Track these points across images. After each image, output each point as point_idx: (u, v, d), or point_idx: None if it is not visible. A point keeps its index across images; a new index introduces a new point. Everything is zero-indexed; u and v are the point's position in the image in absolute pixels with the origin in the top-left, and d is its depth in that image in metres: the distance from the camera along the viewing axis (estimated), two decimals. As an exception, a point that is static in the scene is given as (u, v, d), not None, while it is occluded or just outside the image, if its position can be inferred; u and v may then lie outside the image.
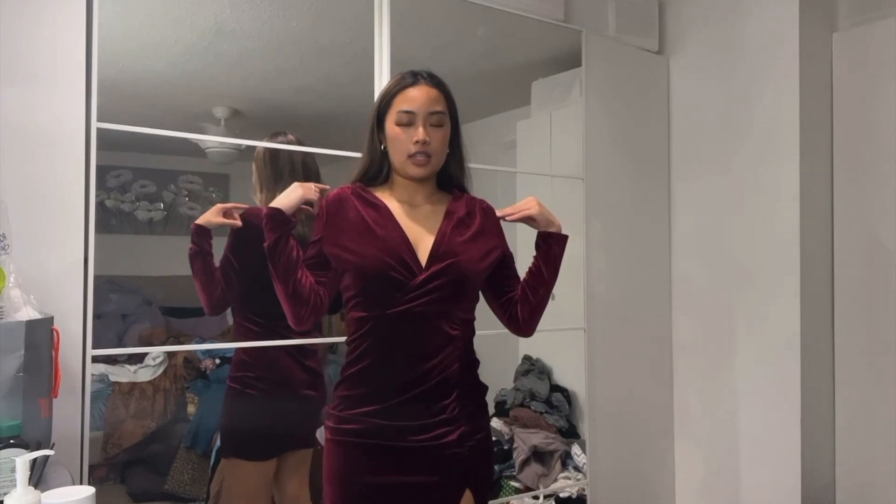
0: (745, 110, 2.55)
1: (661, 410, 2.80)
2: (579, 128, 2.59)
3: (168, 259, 2.68)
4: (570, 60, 2.62)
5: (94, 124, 1.65)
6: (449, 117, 1.41)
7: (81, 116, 1.65)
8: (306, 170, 2.02)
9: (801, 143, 2.37)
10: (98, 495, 0.98)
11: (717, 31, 2.67)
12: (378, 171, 1.43)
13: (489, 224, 1.46)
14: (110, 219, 2.37)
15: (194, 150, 2.23)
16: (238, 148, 2.24)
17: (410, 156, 1.35)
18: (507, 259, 1.50)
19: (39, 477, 1.19)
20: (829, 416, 2.48)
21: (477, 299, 1.45)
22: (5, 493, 0.98)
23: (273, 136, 2.04)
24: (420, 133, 1.34)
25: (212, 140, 2.18)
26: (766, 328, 2.46)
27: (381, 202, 1.40)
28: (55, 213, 1.62)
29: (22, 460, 0.93)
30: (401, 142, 1.35)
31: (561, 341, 2.67)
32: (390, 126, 1.37)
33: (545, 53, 2.70)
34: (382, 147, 1.40)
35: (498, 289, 1.50)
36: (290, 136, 2.05)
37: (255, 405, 1.95)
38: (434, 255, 1.35)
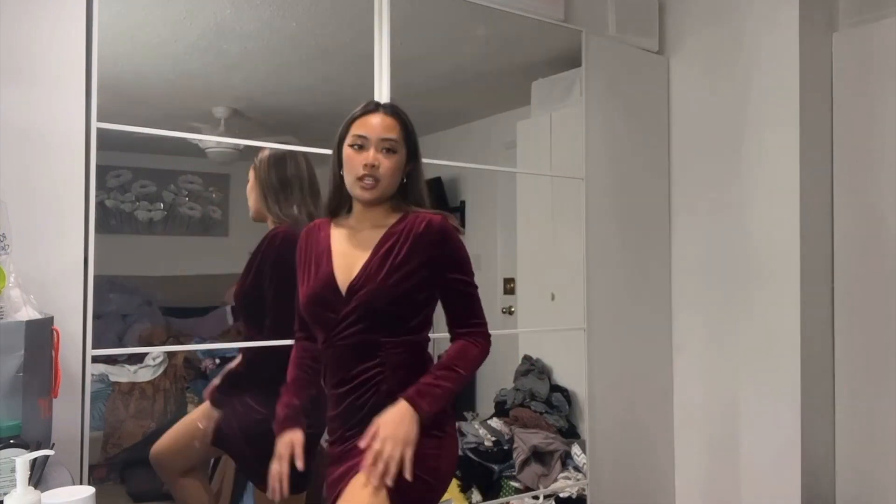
0: (745, 110, 2.55)
1: (661, 410, 2.80)
2: (579, 128, 2.59)
3: (168, 259, 2.68)
4: (570, 60, 2.62)
5: (94, 124, 1.65)
6: (405, 147, 1.44)
7: (81, 116, 1.65)
8: (312, 186, 2.01)
9: (801, 143, 2.37)
10: (98, 495, 0.98)
11: (717, 31, 2.67)
12: (338, 196, 1.48)
13: (421, 246, 1.40)
14: (110, 219, 2.38)
15: (194, 150, 2.23)
16: (238, 148, 2.24)
17: (359, 178, 1.39)
18: (446, 284, 1.44)
19: (39, 477, 1.19)
20: (829, 416, 2.48)
21: (413, 317, 1.41)
22: (5, 493, 0.98)
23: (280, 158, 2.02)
24: (370, 156, 1.38)
25: (212, 140, 2.18)
26: (766, 328, 2.46)
27: (325, 235, 1.47)
28: (55, 213, 1.62)
29: (22, 460, 0.93)
30: (352, 164, 1.40)
31: (561, 341, 2.67)
32: (345, 149, 1.42)
33: (545, 53, 2.70)
34: (340, 171, 1.45)
35: (444, 309, 1.48)
36: (300, 159, 2.02)
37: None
38: (351, 288, 1.39)
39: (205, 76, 2.21)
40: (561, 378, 2.79)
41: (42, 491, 0.96)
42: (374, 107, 1.45)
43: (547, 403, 2.72)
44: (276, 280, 1.88)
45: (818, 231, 2.45)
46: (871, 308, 2.38)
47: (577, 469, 2.58)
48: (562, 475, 2.56)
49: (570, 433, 2.68)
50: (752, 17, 2.53)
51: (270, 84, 2.32)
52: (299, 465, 1.41)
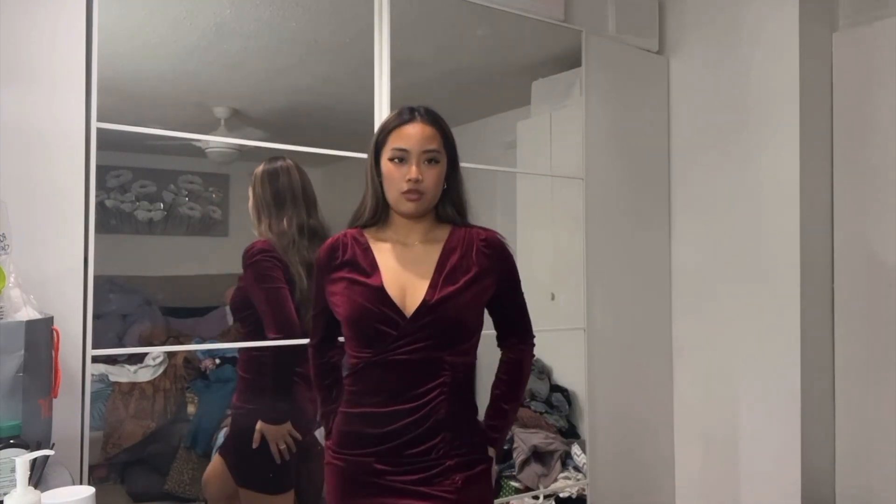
0: (745, 110, 2.55)
1: (661, 410, 2.80)
2: (579, 128, 2.59)
3: (168, 259, 2.68)
4: (570, 60, 2.62)
5: (94, 124, 1.65)
6: (445, 155, 1.41)
7: (81, 116, 1.65)
8: (306, 197, 2.05)
9: (801, 143, 2.37)
10: (98, 495, 0.98)
11: (717, 31, 2.67)
12: (376, 208, 1.43)
13: (487, 263, 1.42)
14: (110, 219, 2.37)
15: (194, 150, 2.23)
16: (238, 148, 2.24)
17: (403, 192, 1.35)
18: (507, 300, 1.48)
19: (39, 477, 1.19)
20: (829, 416, 2.48)
21: (473, 340, 1.42)
22: (5, 493, 0.98)
23: (270, 161, 2.06)
24: (413, 171, 1.34)
25: (212, 140, 2.18)
26: (767, 328, 2.46)
27: (371, 248, 1.41)
28: (55, 213, 1.62)
29: (22, 460, 0.93)
30: (394, 179, 1.36)
31: (561, 341, 2.67)
32: (385, 163, 1.38)
33: (545, 53, 2.70)
34: (380, 180, 1.41)
35: (495, 319, 1.52)
36: (289, 161, 2.07)
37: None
38: (424, 305, 1.34)
39: (205, 76, 2.21)
40: (561, 378, 2.79)
41: (42, 491, 0.96)
42: (410, 115, 1.39)
43: (547, 403, 2.72)
44: (257, 291, 1.98)
45: (818, 231, 2.45)
46: (870, 308, 2.38)
47: (577, 469, 2.58)
48: (562, 475, 2.56)
49: (570, 433, 2.68)
50: (751, 17, 2.53)
51: (270, 84, 2.32)
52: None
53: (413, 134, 1.36)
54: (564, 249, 2.65)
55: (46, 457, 1.12)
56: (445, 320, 1.34)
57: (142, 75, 2.06)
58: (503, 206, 2.88)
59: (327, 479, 1.42)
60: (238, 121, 2.25)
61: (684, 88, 2.81)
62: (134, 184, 2.44)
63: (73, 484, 1.14)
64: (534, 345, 1.54)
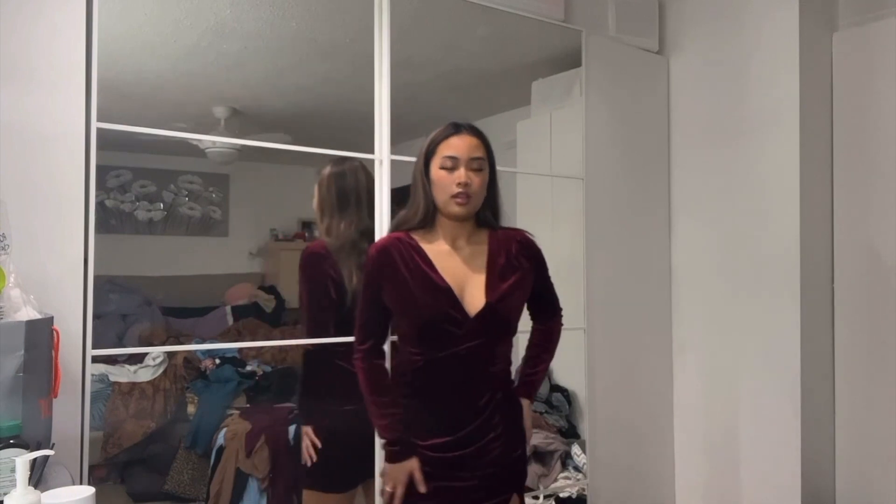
0: (745, 110, 2.55)
1: (661, 410, 2.80)
2: (579, 128, 2.59)
3: (168, 259, 2.68)
4: (570, 60, 2.62)
5: (94, 124, 1.65)
6: (488, 163, 1.57)
7: (81, 116, 1.65)
8: (370, 200, 2.04)
9: (801, 143, 2.37)
10: (98, 495, 0.98)
11: (717, 31, 2.67)
12: (426, 213, 1.57)
13: (527, 263, 1.63)
14: (110, 219, 2.38)
15: (194, 150, 2.23)
16: (238, 148, 2.24)
17: (453, 196, 1.51)
18: (541, 287, 1.70)
19: (39, 477, 1.19)
20: (829, 415, 2.48)
21: (515, 333, 1.63)
22: (5, 493, 0.98)
23: (337, 163, 2.06)
24: (462, 175, 1.50)
25: (212, 140, 2.18)
26: (767, 328, 2.46)
27: (419, 251, 1.55)
28: (55, 213, 1.62)
29: (22, 460, 0.93)
30: (445, 184, 1.52)
31: (561, 341, 2.67)
32: (435, 170, 1.54)
33: (545, 53, 2.70)
34: (430, 189, 1.56)
35: (530, 302, 1.72)
36: (356, 163, 2.07)
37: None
38: (487, 307, 1.51)
39: (205, 76, 2.21)
40: (561, 378, 2.79)
41: (42, 491, 0.96)
42: (456, 128, 1.55)
43: (547, 403, 2.72)
44: (301, 292, 2.04)
45: (818, 231, 2.45)
46: (871, 308, 2.38)
47: (577, 469, 2.58)
48: (562, 475, 2.56)
49: (570, 433, 2.68)
50: (751, 17, 2.53)
51: (270, 84, 2.32)
52: (421, 489, 1.52)
53: (461, 144, 1.53)
54: (564, 249, 2.65)
55: (46, 457, 1.12)
56: (503, 319, 1.55)
57: (142, 75, 2.05)
58: (503, 205, 2.88)
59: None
60: (238, 121, 2.25)
61: (684, 88, 2.81)
62: (134, 184, 2.44)
63: (73, 484, 1.14)
64: (562, 315, 1.79)
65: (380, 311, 1.57)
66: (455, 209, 1.52)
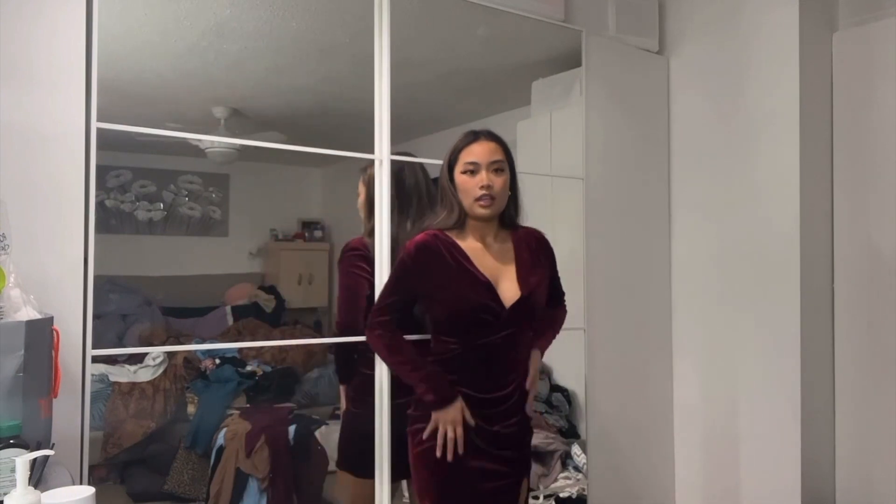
0: (745, 110, 2.55)
1: (661, 410, 2.80)
2: (579, 128, 2.59)
3: (168, 259, 2.68)
4: (570, 60, 2.62)
5: (94, 124, 1.64)
6: (508, 165, 1.70)
7: (81, 116, 1.65)
8: (430, 198, 2.03)
9: (801, 142, 2.37)
10: (98, 495, 0.98)
11: (717, 31, 2.67)
12: (459, 214, 1.68)
13: (544, 258, 1.80)
14: (110, 219, 2.38)
15: (194, 150, 2.23)
16: (238, 148, 2.24)
17: (477, 199, 1.63)
18: (553, 280, 1.86)
19: (39, 477, 1.19)
20: (829, 415, 2.48)
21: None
22: (5, 493, 0.98)
23: (367, 168, 2.04)
24: (483, 178, 1.62)
25: (212, 140, 2.18)
26: (767, 328, 2.46)
27: (457, 247, 1.67)
28: (55, 213, 1.62)
29: (22, 460, 0.93)
30: (468, 188, 1.64)
31: (561, 341, 2.66)
32: (458, 176, 1.66)
33: (545, 53, 2.70)
34: (457, 194, 1.67)
35: None
36: (414, 162, 2.05)
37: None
38: (517, 299, 1.65)
39: (205, 76, 2.20)
40: (560, 378, 2.79)
41: (42, 491, 0.96)
42: (475, 135, 1.68)
43: (547, 403, 2.71)
44: (339, 287, 2.09)
45: (818, 231, 2.45)
46: (871, 308, 2.38)
47: (577, 469, 2.58)
48: (562, 475, 2.56)
49: (570, 433, 2.68)
50: (751, 18, 2.53)
51: (270, 84, 2.32)
52: (471, 421, 1.64)
53: (480, 150, 1.65)
54: (564, 249, 2.65)
55: (46, 457, 1.12)
56: (532, 309, 1.69)
57: (142, 75, 2.05)
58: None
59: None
60: (238, 121, 2.25)
61: (684, 88, 2.81)
62: (134, 184, 2.44)
63: (73, 484, 1.14)
64: (566, 303, 1.95)
65: (407, 298, 1.72)
66: (480, 211, 1.64)
